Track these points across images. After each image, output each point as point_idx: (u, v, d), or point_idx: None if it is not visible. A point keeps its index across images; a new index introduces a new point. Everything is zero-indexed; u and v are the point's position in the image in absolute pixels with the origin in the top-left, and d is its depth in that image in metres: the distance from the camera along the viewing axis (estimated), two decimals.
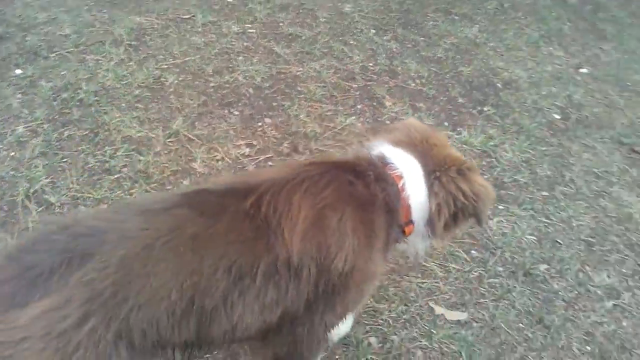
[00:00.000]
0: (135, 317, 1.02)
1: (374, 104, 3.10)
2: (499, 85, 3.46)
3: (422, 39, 3.73)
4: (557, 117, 3.28)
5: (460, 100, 3.26)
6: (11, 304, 0.95)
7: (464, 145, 2.86)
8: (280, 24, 3.53)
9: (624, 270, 2.41)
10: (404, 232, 1.41)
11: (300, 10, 3.72)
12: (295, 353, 1.38)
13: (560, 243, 2.48)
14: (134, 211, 1.14)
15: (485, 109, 3.23)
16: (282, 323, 1.26)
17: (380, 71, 3.34)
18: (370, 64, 3.38)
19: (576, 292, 2.25)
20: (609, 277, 2.35)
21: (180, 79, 3.00)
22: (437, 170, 1.40)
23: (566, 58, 3.88)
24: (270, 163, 2.59)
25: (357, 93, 3.14)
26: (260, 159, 2.60)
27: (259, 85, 3.05)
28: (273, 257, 1.15)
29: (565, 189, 2.78)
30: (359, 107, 3.05)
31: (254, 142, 2.70)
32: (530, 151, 2.97)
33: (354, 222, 1.25)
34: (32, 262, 0.99)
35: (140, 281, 1.03)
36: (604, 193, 2.80)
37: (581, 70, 3.79)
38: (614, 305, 2.23)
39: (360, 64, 3.35)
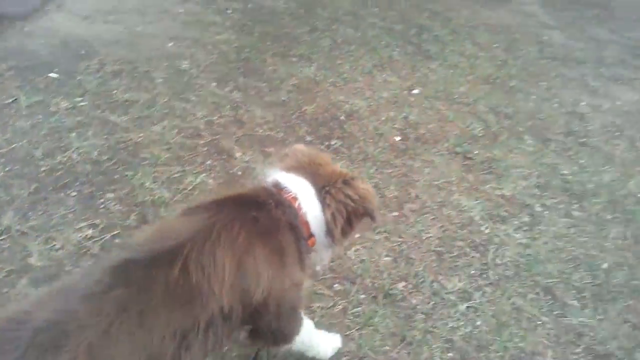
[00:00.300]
0: None
1: (224, 157, 3.15)
2: (342, 117, 3.70)
3: (264, 84, 3.89)
4: (398, 139, 3.59)
5: (308, 138, 3.43)
6: None
7: None
8: (114, 92, 3.48)
9: (472, 271, 2.67)
10: (308, 244, 1.66)
11: (135, 74, 3.70)
12: (278, 338, 1.70)
13: (413, 258, 2.69)
14: (79, 298, 1.21)
15: (332, 142, 3.44)
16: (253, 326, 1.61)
17: (226, 123, 3.41)
18: (215, 117, 3.44)
19: (433, 303, 2.45)
20: (459, 281, 2.59)
21: (6, 169, 2.81)
22: (326, 185, 1.67)
23: (399, 82, 4.27)
24: (117, 240, 2.51)
25: (205, 149, 3.18)
26: (106, 237, 2.51)
27: (96, 159, 2.96)
28: (209, 312, 1.34)
29: (413, 205, 3.04)
30: (208, 163, 3.08)
31: (97, 221, 2.60)
32: (378, 176, 3.20)
33: (266, 255, 1.48)
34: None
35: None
36: (447, 202, 3.10)
37: (414, 91, 4.19)
38: (467, 307, 2.46)
39: (205, 119, 3.40)
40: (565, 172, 3.51)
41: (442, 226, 2.92)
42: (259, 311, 1.52)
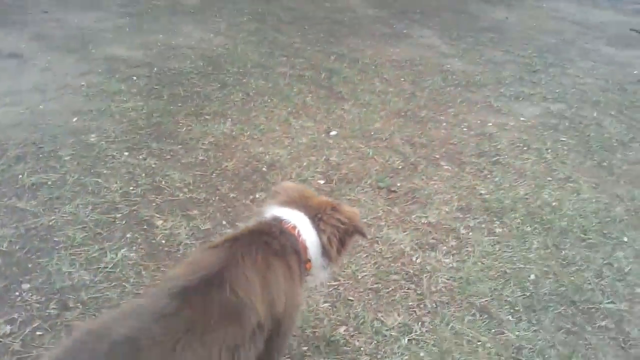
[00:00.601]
0: None
1: (144, 227, 3.08)
2: (264, 169, 3.75)
3: (179, 147, 3.88)
4: (322, 182, 3.68)
5: (231, 195, 3.44)
6: None
7: None
8: (20, 176, 3.33)
9: (410, 303, 2.74)
10: (306, 268, 1.90)
11: (40, 155, 3.57)
12: (269, 356, 1.83)
13: (351, 299, 2.73)
14: (152, 318, 1.41)
15: (257, 195, 3.47)
16: None
17: (143, 192, 3.35)
18: (131, 188, 3.38)
19: (375, 342, 2.49)
20: (399, 315, 2.65)
21: None
22: (318, 213, 1.94)
23: (316, 126, 4.41)
24: (39, 333, 2.37)
25: (123, 222, 3.10)
26: (26, 331, 2.36)
27: (6, 250, 2.80)
28: (253, 325, 1.56)
29: None
30: (128, 236, 3.00)
31: (15, 316, 2.44)
32: None
33: (282, 272, 1.74)
34: None
35: None
36: (377, 238, 3.19)
37: (331, 133, 4.35)
38: (409, 340, 2.51)
39: (120, 191, 3.33)
40: (482, 192, 3.74)
41: (375, 262, 3.00)
42: (276, 325, 1.74)
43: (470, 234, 3.31)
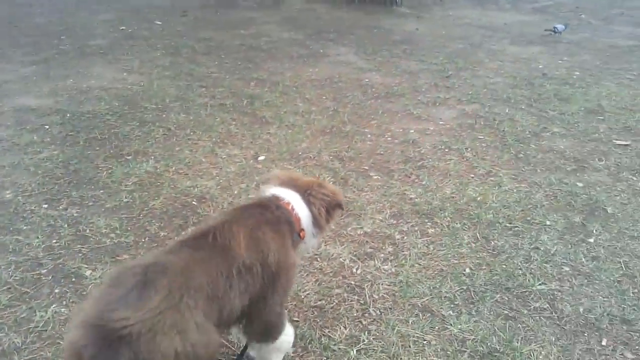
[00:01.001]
0: (196, 297, 1.77)
1: (73, 279, 2.98)
2: (194, 203, 3.74)
3: (101, 192, 3.80)
4: None
5: (162, 233, 3.40)
6: (130, 300, 1.64)
7: None
8: None
9: (355, 314, 2.81)
10: (300, 236, 2.28)
11: None
12: (269, 325, 2.21)
13: (297, 320, 2.76)
14: (169, 254, 1.92)
15: (189, 231, 3.44)
16: (251, 311, 2.07)
17: (67, 243, 3.25)
18: (54, 241, 3.26)
19: (325, 358, 2.53)
20: (345, 327, 2.71)
21: None
22: (307, 190, 2.34)
23: (243, 153, 4.46)
24: None
25: (50, 277, 2.98)
26: None
27: None
28: (237, 262, 1.96)
29: None
30: (57, 291, 2.89)
31: None
32: None
33: (271, 234, 2.12)
34: (128, 280, 1.71)
35: (194, 281, 1.80)
36: (316, 255, 3.26)
37: (259, 158, 4.40)
38: (357, 351, 2.57)
39: (43, 246, 3.21)
40: (412, 196, 3.91)
41: (317, 280, 3.06)
42: (273, 280, 2.09)
43: (405, 238, 3.45)
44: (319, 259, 3.23)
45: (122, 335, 1.55)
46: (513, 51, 8.26)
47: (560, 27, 9.19)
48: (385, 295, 2.96)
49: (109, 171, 4.06)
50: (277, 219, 2.19)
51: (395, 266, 3.19)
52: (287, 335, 2.33)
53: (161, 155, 4.35)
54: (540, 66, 7.42)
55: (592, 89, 6.41)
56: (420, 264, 3.21)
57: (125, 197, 3.75)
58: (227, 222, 2.07)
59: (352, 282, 3.05)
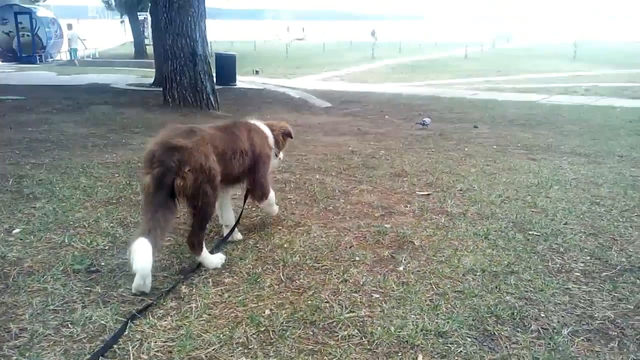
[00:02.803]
0: (214, 150, 3.06)
1: None
2: None
3: None
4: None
5: None
6: (181, 135, 2.97)
7: None
8: None
9: None
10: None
11: None
12: (261, 188, 3.61)
13: None
14: (207, 128, 3.31)
15: None
16: (250, 179, 3.55)
17: None
18: None
19: None
20: None
21: None
22: (270, 125, 3.80)
23: None
24: None
25: None
26: None
27: None
28: (242, 147, 3.35)
29: (17, 342, 2.29)
30: None
31: None
32: None
33: (257, 135, 3.59)
34: (181, 129, 3.07)
35: (215, 142, 3.12)
36: (67, 321, 2.48)
37: (14, 231, 3.54)
38: None
39: None
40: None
41: (65, 350, 2.26)
42: (256, 162, 3.50)
43: (194, 290, 2.85)
44: (70, 325, 2.45)
45: (176, 146, 2.82)
46: (326, 140, 8.56)
47: (427, 120, 10.26)
48: (157, 354, 2.27)
49: None
50: (261, 132, 3.65)
51: (176, 320, 2.54)
52: (272, 195, 3.73)
53: None
54: (350, 148, 7.72)
55: (397, 160, 6.72)
56: (209, 314, 2.61)
57: None
58: (237, 125, 3.52)
59: (114, 347, 2.32)
